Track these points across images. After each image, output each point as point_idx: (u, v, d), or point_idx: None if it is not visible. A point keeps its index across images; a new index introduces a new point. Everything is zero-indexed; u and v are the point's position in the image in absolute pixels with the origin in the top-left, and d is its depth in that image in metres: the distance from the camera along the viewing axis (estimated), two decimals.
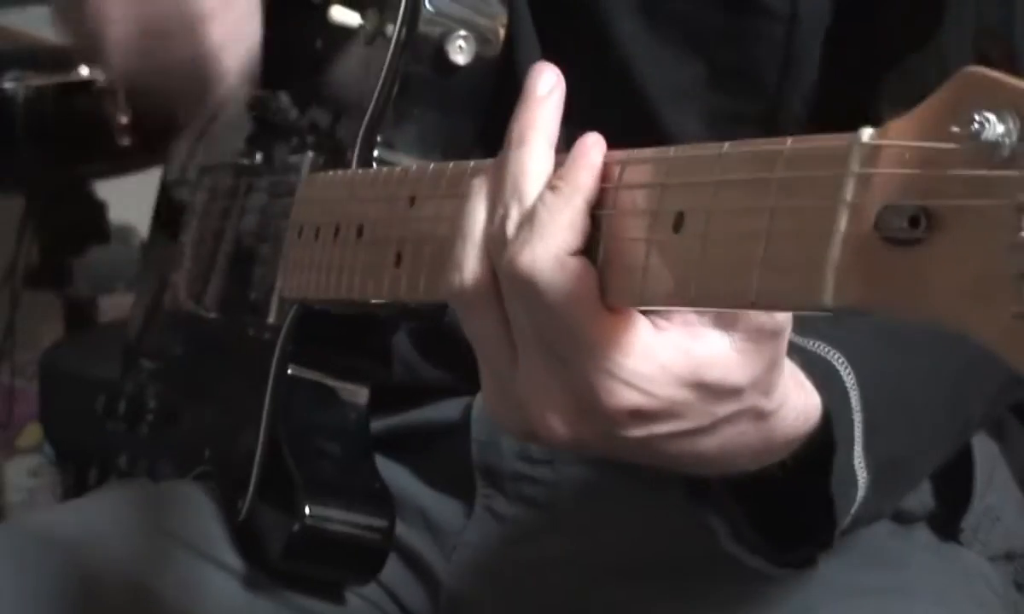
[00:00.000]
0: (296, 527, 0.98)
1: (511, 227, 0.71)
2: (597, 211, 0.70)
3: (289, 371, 1.02)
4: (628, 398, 0.70)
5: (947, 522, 1.04)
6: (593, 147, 0.71)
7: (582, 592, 1.01)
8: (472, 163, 0.78)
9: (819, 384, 0.78)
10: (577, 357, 0.69)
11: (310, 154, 1.05)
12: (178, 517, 1.06)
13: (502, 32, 0.98)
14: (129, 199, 2.27)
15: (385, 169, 0.94)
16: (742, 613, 0.96)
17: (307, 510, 0.98)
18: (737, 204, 0.61)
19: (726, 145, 0.63)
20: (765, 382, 0.72)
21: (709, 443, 0.74)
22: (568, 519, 1.04)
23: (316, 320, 1.00)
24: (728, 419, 0.73)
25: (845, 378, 0.81)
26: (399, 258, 0.82)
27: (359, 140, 0.99)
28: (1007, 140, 0.51)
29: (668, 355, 0.70)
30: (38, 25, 2.14)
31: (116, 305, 2.36)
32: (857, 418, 0.81)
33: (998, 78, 0.52)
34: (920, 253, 0.54)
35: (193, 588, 1.02)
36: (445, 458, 1.07)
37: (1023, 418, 1.10)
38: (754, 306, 0.60)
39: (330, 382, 1.03)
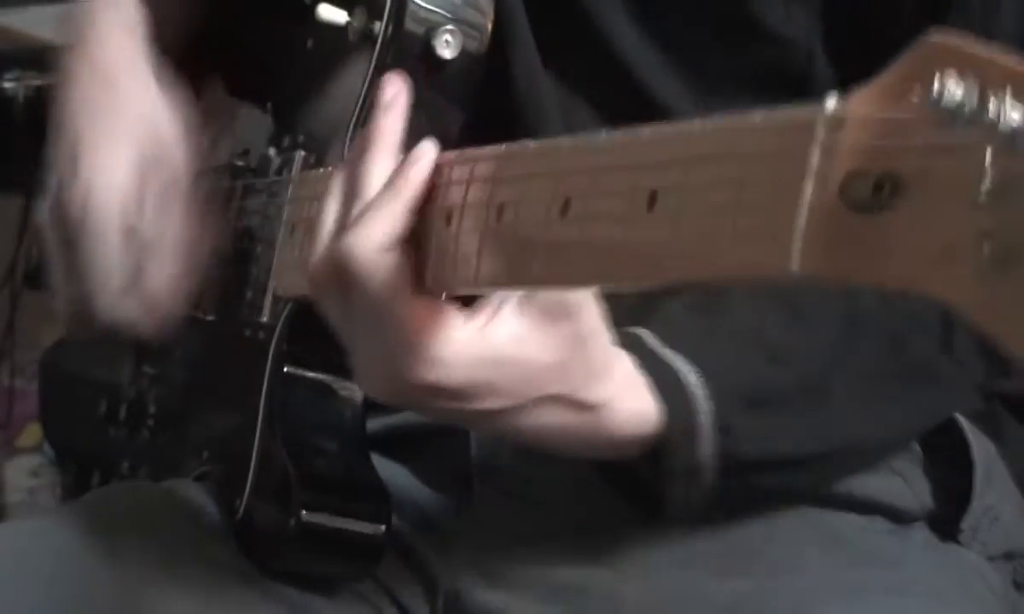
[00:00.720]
0: (292, 524, 0.98)
1: (346, 222, 0.82)
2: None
3: (284, 370, 1.02)
4: (427, 375, 0.80)
5: (946, 522, 1.04)
6: (425, 154, 0.81)
7: (581, 590, 1.01)
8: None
9: (664, 392, 0.88)
10: (386, 337, 0.80)
11: (301, 153, 1.05)
12: (177, 516, 1.07)
13: (489, 27, 0.98)
14: None
15: None
16: (740, 611, 0.96)
17: (303, 507, 0.98)
18: (706, 179, 0.62)
19: (696, 122, 0.64)
20: (572, 369, 0.82)
21: (527, 422, 0.84)
22: (567, 518, 1.04)
23: (310, 318, 1.00)
24: (538, 402, 0.83)
25: (689, 384, 0.89)
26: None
27: (348, 136, 0.99)
28: (966, 104, 0.51)
29: (465, 337, 0.79)
30: (38, 25, 2.14)
31: None
32: (704, 420, 0.89)
33: (957, 44, 0.53)
34: (885, 219, 0.54)
35: (192, 586, 1.02)
36: (443, 456, 1.07)
37: (1021, 418, 1.10)
38: (719, 280, 0.62)
39: (325, 379, 1.03)
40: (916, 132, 0.53)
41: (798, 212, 0.57)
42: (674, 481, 0.90)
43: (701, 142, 0.63)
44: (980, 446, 1.05)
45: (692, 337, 0.91)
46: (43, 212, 1.09)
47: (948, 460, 1.04)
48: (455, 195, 0.77)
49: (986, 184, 0.51)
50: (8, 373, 2.51)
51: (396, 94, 0.85)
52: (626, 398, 0.87)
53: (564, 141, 0.74)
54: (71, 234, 1.04)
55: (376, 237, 0.79)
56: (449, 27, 0.97)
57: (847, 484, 1.02)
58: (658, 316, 0.93)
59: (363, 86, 0.99)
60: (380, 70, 0.98)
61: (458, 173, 0.78)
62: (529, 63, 1.02)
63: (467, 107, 0.95)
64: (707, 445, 0.89)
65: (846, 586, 0.97)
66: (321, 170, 1.00)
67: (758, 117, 0.60)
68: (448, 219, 0.78)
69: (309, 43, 1.08)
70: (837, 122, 0.56)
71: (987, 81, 0.51)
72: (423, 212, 0.79)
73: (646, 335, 0.91)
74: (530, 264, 0.72)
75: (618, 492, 0.96)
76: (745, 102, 0.98)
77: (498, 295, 0.80)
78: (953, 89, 0.51)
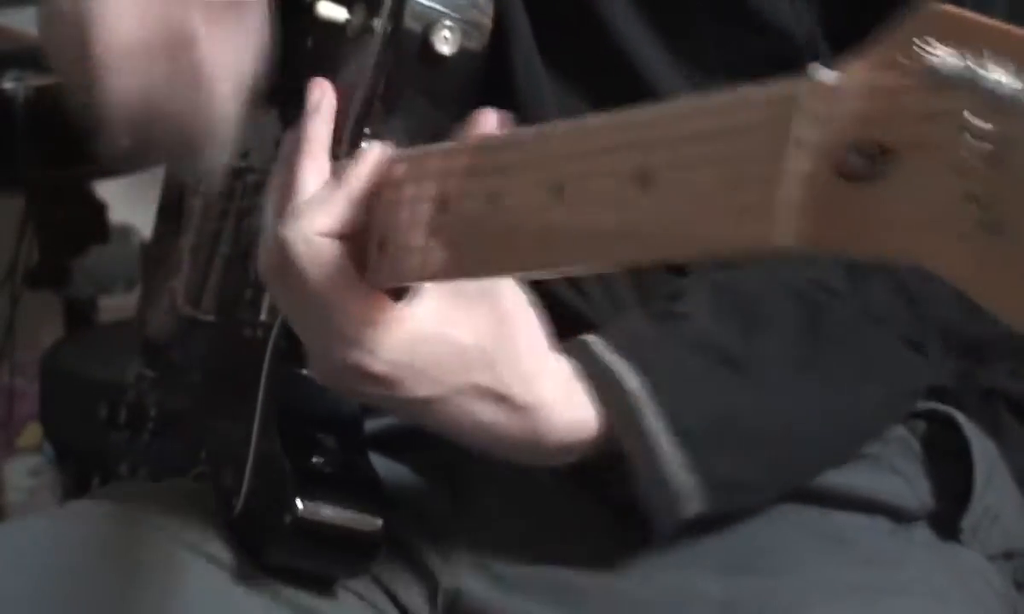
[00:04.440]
0: (288, 519, 0.98)
1: (285, 212, 0.86)
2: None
3: (282, 367, 1.02)
4: (351, 358, 0.84)
5: (946, 521, 1.04)
6: (370, 154, 0.85)
7: (581, 589, 1.01)
8: (448, 144, 0.82)
9: (598, 397, 0.89)
10: (319, 321, 0.84)
11: None
12: (175, 515, 1.06)
13: (489, 24, 0.98)
14: (129, 199, 2.27)
15: None
16: (739, 610, 0.96)
17: (299, 503, 0.98)
18: (697, 155, 0.62)
19: (686, 100, 0.65)
20: (495, 357, 0.85)
21: (460, 416, 0.87)
22: (567, 517, 1.04)
23: None
24: (466, 392, 0.86)
25: (631, 390, 0.90)
26: (382, 244, 0.83)
27: (347, 134, 0.99)
28: (957, 70, 0.51)
29: (387, 320, 0.83)
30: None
31: (116, 305, 2.36)
32: (656, 425, 0.89)
33: (949, 11, 0.53)
34: (878, 188, 0.54)
35: (190, 585, 1.02)
36: (444, 455, 1.07)
37: (1022, 417, 1.10)
38: (712, 256, 0.62)
39: None
40: (907, 99, 0.53)
41: (789, 184, 0.57)
42: (646, 490, 0.90)
43: (691, 119, 0.64)
44: (981, 445, 1.05)
45: (641, 343, 0.92)
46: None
47: (949, 459, 1.04)
48: (447, 185, 0.78)
49: (977, 150, 0.51)
50: (8, 373, 2.51)
51: (321, 97, 0.91)
52: (563, 403, 0.88)
53: (554, 126, 0.74)
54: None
55: (312, 225, 0.84)
56: (448, 23, 0.97)
57: (848, 483, 1.02)
58: (613, 323, 0.94)
59: (362, 83, 0.99)
60: (380, 67, 0.98)
61: (442, 164, 0.79)
62: (529, 60, 1.02)
63: (467, 104, 0.95)
64: (666, 451, 0.90)
65: (846, 586, 0.97)
66: None
67: (747, 91, 0.61)
68: (441, 207, 0.78)
69: (309, 42, 1.08)
70: (827, 92, 0.56)
71: (978, 47, 0.51)
72: (391, 203, 0.82)
73: (592, 341, 0.92)
74: (519, 251, 0.73)
75: (608, 507, 0.96)
76: None
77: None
78: (944, 55, 0.52)
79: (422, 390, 0.86)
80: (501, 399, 0.87)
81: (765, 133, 0.58)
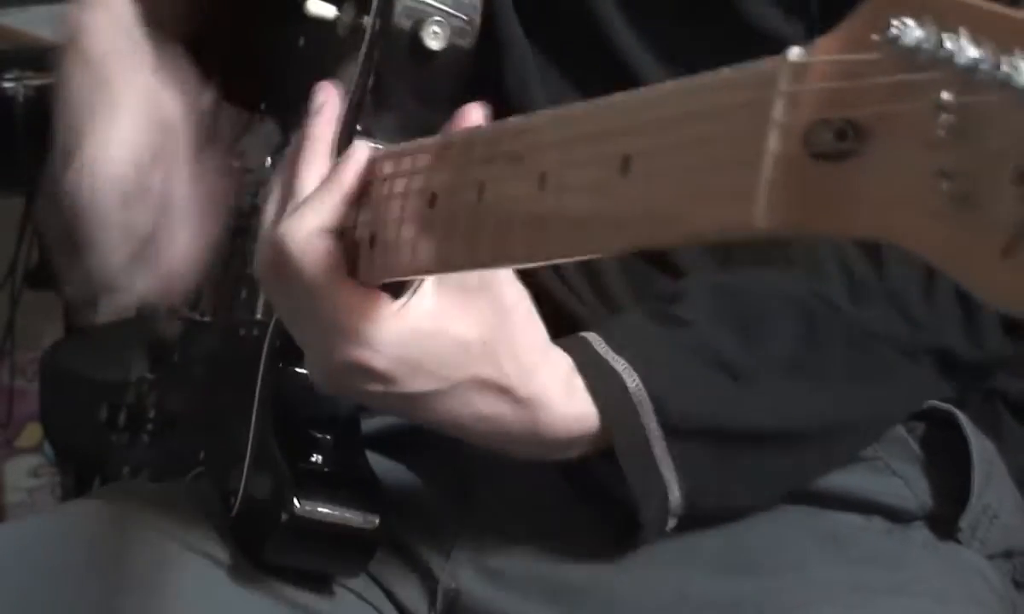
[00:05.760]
0: (285, 517, 0.98)
1: (284, 212, 0.86)
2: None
3: (279, 366, 1.02)
4: (353, 355, 0.83)
5: (945, 521, 1.04)
6: (357, 152, 0.86)
7: (581, 589, 1.01)
8: (434, 139, 0.83)
9: (598, 393, 0.90)
10: (318, 319, 0.84)
11: None
12: (174, 516, 1.07)
13: (478, 21, 0.98)
14: None
15: None
16: (739, 611, 0.97)
17: (296, 502, 0.98)
18: (677, 139, 0.62)
19: (667, 84, 0.65)
20: (497, 348, 0.85)
21: (462, 409, 0.87)
22: (566, 517, 1.04)
23: None
24: (468, 386, 0.86)
25: (631, 388, 0.91)
26: (374, 240, 0.84)
27: (337, 132, 0.99)
28: (925, 44, 0.51)
29: (390, 316, 0.83)
30: (38, 25, 2.14)
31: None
32: (651, 424, 0.91)
33: None
34: (849, 166, 0.54)
35: (189, 585, 1.02)
36: (443, 455, 1.07)
37: (1020, 417, 1.10)
38: (690, 241, 0.62)
39: None
40: (875, 74, 0.53)
41: (762, 165, 0.56)
42: (635, 489, 0.92)
43: (672, 103, 0.63)
44: (980, 445, 1.05)
45: (641, 343, 0.92)
46: (43, 206, 1.09)
47: (948, 459, 1.04)
48: (434, 179, 0.79)
49: (944, 122, 0.50)
50: (8, 373, 2.51)
51: (326, 99, 0.91)
52: (563, 398, 0.89)
53: (537, 116, 0.74)
54: (79, 214, 1.04)
55: (308, 223, 0.84)
56: (437, 19, 0.97)
57: (846, 484, 1.02)
58: (613, 321, 0.95)
59: (353, 80, 0.99)
60: (370, 64, 0.98)
61: (429, 159, 0.80)
62: (521, 60, 1.03)
63: (457, 101, 0.96)
64: (658, 450, 0.91)
65: (846, 586, 0.97)
66: None
67: (725, 74, 0.60)
68: (431, 202, 0.79)
69: (301, 41, 1.08)
70: (800, 70, 0.56)
71: (945, 20, 0.51)
72: (381, 199, 0.83)
73: (592, 338, 0.92)
74: (506, 242, 0.72)
75: (594, 510, 0.96)
76: None
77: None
78: (911, 29, 0.51)
79: (424, 384, 0.86)
80: (502, 391, 0.87)
81: (745, 115, 0.58)
